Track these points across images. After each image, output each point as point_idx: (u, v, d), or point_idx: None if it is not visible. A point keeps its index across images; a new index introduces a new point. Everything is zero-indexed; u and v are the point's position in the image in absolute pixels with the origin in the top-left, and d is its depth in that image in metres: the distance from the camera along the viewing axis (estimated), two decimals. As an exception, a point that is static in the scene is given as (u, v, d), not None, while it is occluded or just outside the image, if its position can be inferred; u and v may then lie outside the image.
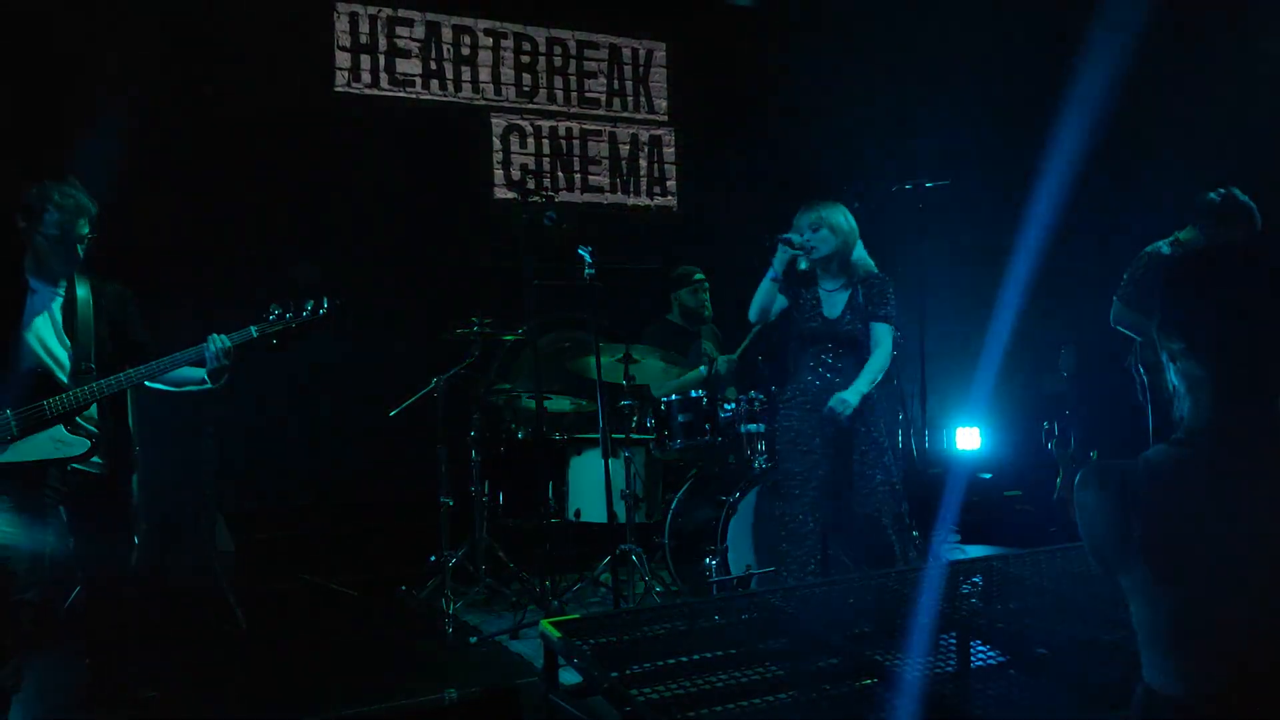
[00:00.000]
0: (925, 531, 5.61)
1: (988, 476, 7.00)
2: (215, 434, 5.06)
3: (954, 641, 2.82)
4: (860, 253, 4.28)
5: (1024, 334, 6.70)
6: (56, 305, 3.45)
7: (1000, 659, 2.75)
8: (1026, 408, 7.16)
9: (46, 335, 3.42)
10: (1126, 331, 5.28)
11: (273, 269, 5.75)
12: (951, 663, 2.74)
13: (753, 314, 4.29)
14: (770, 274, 4.20)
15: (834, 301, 4.23)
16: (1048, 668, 2.58)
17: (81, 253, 3.43)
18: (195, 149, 5.72)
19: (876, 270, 4.29)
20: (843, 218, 4.24)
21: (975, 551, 6.10)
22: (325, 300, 3.58)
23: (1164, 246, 5.16)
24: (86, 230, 3.40)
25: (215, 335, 3.49)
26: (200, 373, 3.55)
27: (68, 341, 3.43)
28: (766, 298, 4.25)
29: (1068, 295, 6.79)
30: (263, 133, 5.92)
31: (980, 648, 2.84)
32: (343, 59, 6.21)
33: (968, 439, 7.05)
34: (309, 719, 3.54)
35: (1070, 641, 2.69)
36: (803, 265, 4.21)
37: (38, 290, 3.43)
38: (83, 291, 3.49)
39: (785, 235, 4.15)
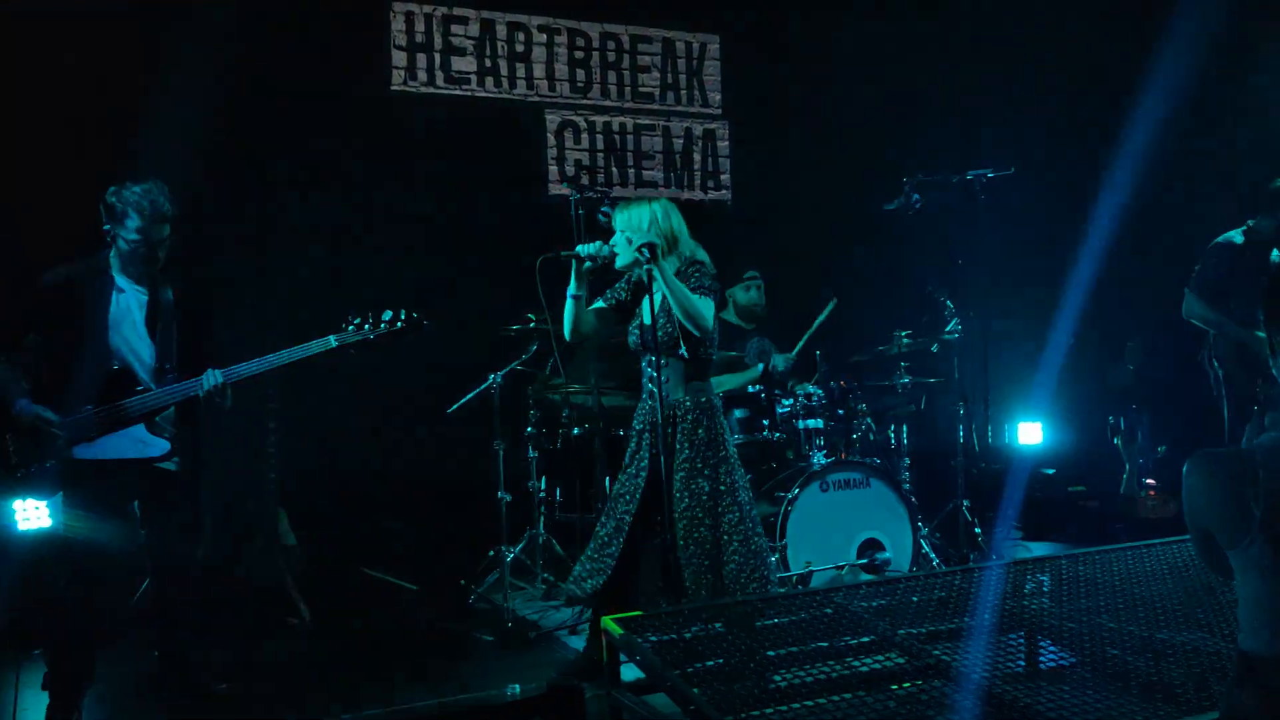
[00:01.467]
0: (987, 528, 5.53)
1: (1050, 472, 6.87)
2: (278, 429, 5.13)
3: (1021, 641, 2.77)
4: (687, 246, 3.76)
5: (1089, 326, 6.58)
6: (141, 305, 3.51)
7: (1070, 660, 2.70)
8: (1091, 401, 7.02)
9: (130, 335, 3.49)
10: (1198, 324, 5.14)
11: (333, 269, 5.82)
12: (1019, 663, 2.69)
13: (565, 333, 3.80)
14: (569, 290, 3.71)
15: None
16: (1120, 669, 2.52)
17: (163, 255, 3.49)
18: (251, 149, 5.79)
19: (705, 261, 3.78)
20: (646, 216, 3.69)
21: (1038, 548, 6.00)
22: (403, 313, 3.63)
23: (1236, 236, 5.02)
24: (166, 233, 3.46)
25: (211, 371, 3.47)
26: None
27: (150, 342, 3.50)
28: (568, 316, 3.73)
29: (1135, 286, 6.65)
30: (320, 132, 5.99)
31: (1049, 648, 2.78)
32: (399, 58, 6.26)
33: (1030, 434, 6.91)
34: (372, 712, 3.58)
35: (1144, 642, 2.63)
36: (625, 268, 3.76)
37: (124, 290, 3.49)
38: (167, 293, 3.55)
39: (573, 250, 3.66)
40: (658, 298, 3.57)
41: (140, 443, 3.45)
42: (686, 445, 3.63)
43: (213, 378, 3.48)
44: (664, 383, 3.58)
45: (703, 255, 3.79)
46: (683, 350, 3.61)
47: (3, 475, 3.37)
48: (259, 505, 5.07)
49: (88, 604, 3.36)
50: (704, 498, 3.60)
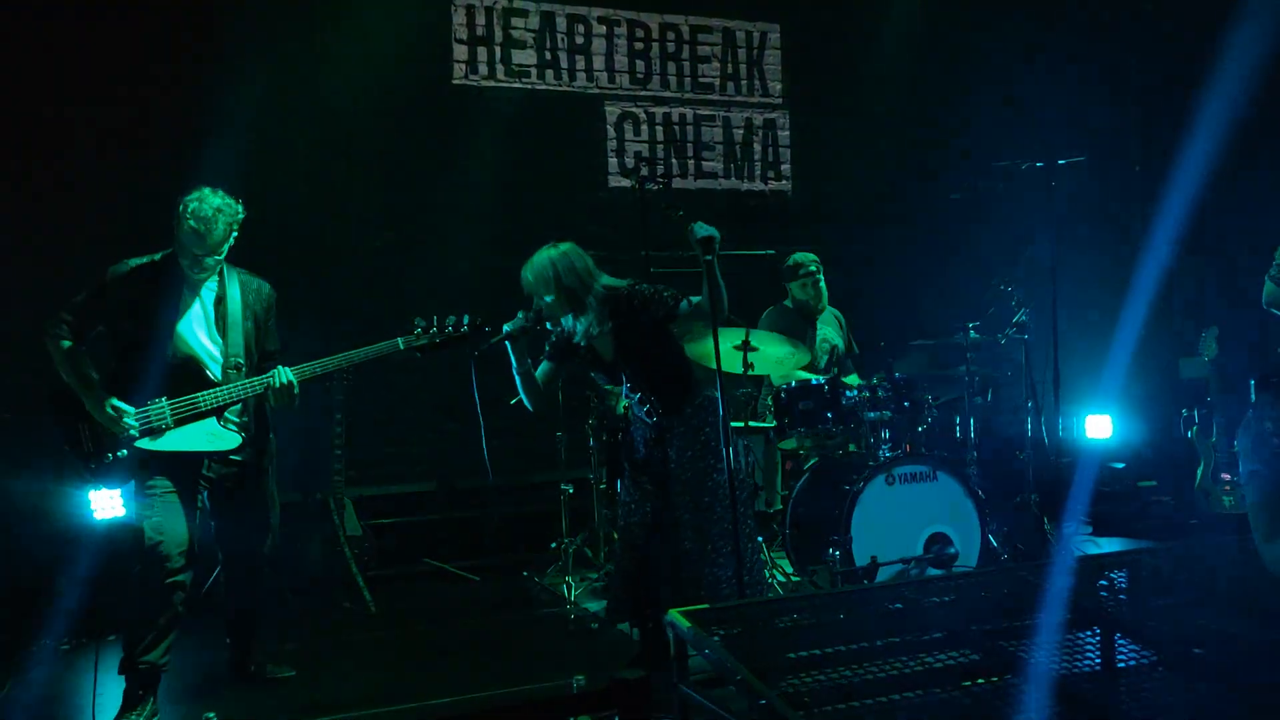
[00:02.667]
0: (1055, 523, 5.42)
1: (1120, 466, 6.71)
2: (344, 422, 5.19)
3: (1097, 638, 2.70)
4: (599, 283, 3.76)
5: (1161, 317, 6.41)
6: (209, 301, 3.57)
7: (1148, 658, 2.62)
8: (1163, 394, 6.84)
9: (200, 329, 3.55)
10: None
11: (396, 265, 5.87)
12: (1095, 660, 2.62)
13: (529, 406, 3.92)
14: (513, 369, 3.82)
15: (603, 344, 3.81)
16: (1202, 668, 2.44)
17: (225, 251, 3.53)
18: (316, 143, 5.86)
19: (621, 286, 3.78)
20: (548, 266, 3.73)
21: (1107, 544, 5.87)
22: (465, 319, 3.75)
23: (1320, 222, 4.83)
24: (221, 231, 3.45)
25: (280, 369, 3.55)
26: None
27: (219, 338, 3.56)
28: (525, 391, 3.87)
29: (1209, 276, 6.46)
30: (382, 127, 6.05)
31: (1126, 645, 2.71)
32: (460, 52, 6.29)
33: (1098, 427, 6.76)
34: (437, 701, 3.60)
35: (1228, 640, 2.55)
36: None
37: (194, 286, 3.55)
38: (233, 289, 3.61)
39: (505, 330, 3.75)
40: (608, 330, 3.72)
41: (212, 436, 3.51)
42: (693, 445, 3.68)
43: (283, 375, 3.54)
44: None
45: (607, 280, 3.78)
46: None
47: (78, 464, 3.44)
48: (326, 496, 5.14)
49: (160, 591, 3.41)
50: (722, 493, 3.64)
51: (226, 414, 3.53)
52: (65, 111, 5.31)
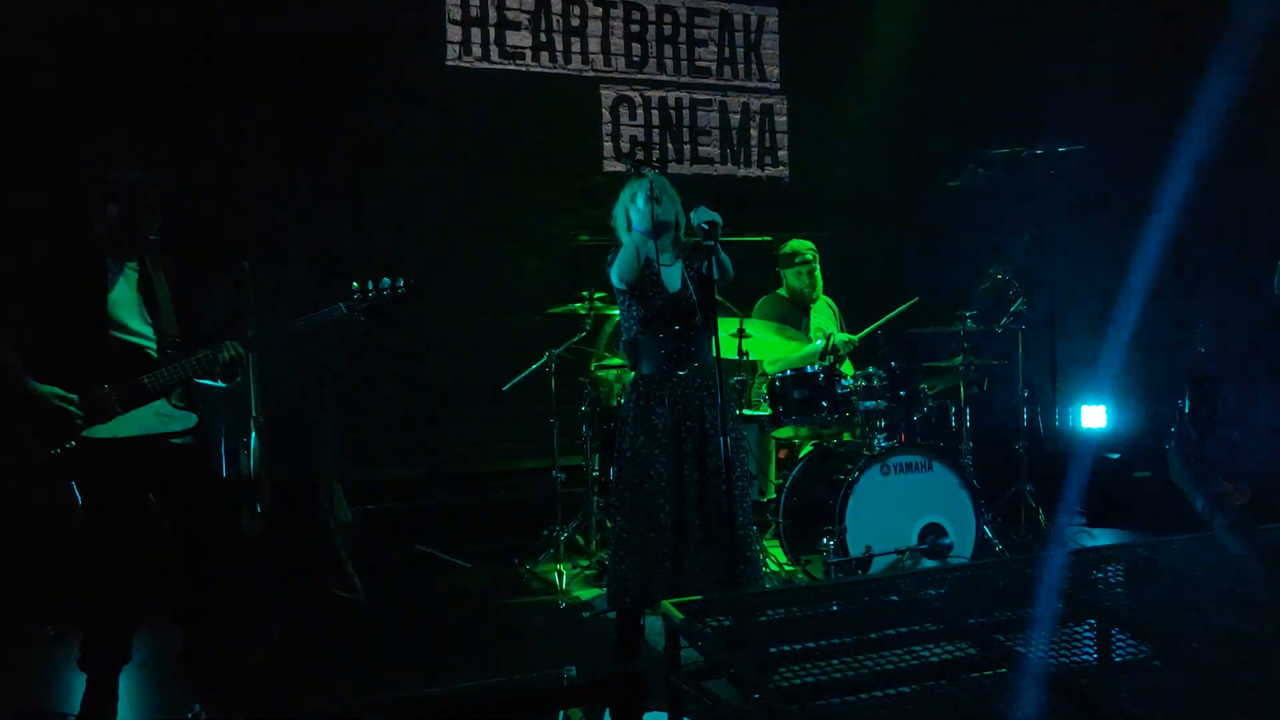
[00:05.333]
0: (1050, 513, 5.40)
1: (1115, 457, 6.69)
2: (335, 407, 5.15)
3: (1093, 632, 2.67)
4: None
5: (1158, 307, 6.36)
6: (133, 283, 3.44)
7: (1145, 652, 2.59)
8: (1159, 385, 6.81)
9: (130, 312, 3.41)
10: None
11: (386, 245, 5.81)
12: (1091, 654, 2.59)
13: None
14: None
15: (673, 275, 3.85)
16: (1200, 663, 2.42)
17: (153, 236, 3.43)
18: (306, 125, 5.79)
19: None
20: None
21: (1101, 534, 5.85)
22: (401, 280, 3.68)
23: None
24: (153, 216, 3.40)
25: (229, 343, 3.49)
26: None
27: (149, 318, 3.43)
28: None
29: (1208, 264, 6.42)
30: (373, 108, 5.97)
31: (1123, 639, 2.68)
32: (453, 33, 6.21)
33: (1094, 417, 6.73)
34: (428, 690, 3.57)
35: (1226, 635, 2.52)
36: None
37: (119, 268, 3.42)
38: (159, 271, 3.50)
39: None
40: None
41: (165, 417, 3.40)
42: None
43: (230, 348, 3.46)
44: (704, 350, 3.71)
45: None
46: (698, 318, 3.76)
47: (25, 457, 3.30)
48: (316, 482, 5.10)
49: (114, 585, 3.31)
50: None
51: (172, 395, 3.42)
52: None
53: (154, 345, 3.42)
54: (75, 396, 3.26)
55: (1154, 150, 6.06)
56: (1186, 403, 3.52)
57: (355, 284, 3.67)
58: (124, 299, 3.40)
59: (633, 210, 3.86)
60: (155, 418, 3.38)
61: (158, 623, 3.77)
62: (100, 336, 3.32)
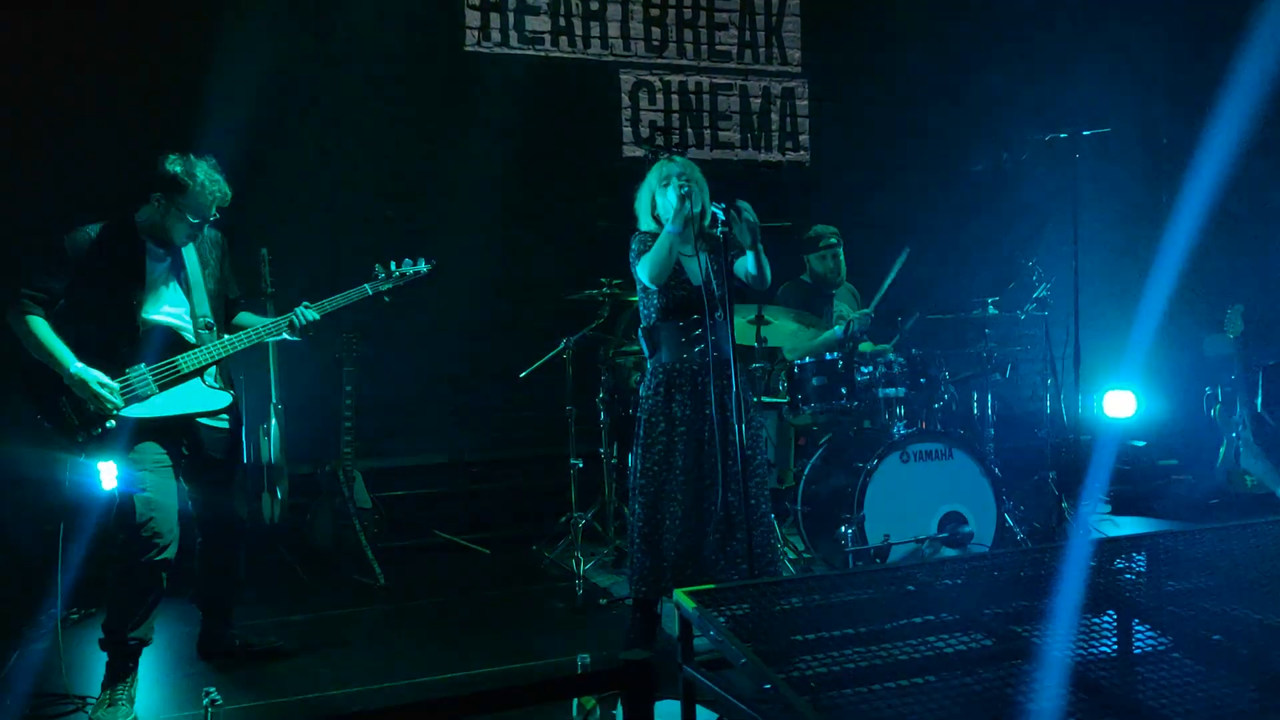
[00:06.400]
0: (1073, 501, 5.34)
1: (1141, 444, 6.61)
2: (354, 395, 5.16)
3: (1114, 623, 2.63)
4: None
5: (1185, 292, 6.28)
6: (169, 265, 3.51)
7: (1166, 643, 2.56)
8: (1186, 371, 6.72)
9: (167, 294, 3.48)
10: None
11: (405, 231, 5.82)
12: (1112, 645, 2.56)
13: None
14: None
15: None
16: (1221, 654, 2.38)
17: (212, 217, 3.49)
18: (326, 110, 5.80)
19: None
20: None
21: (1126, 523, 5.80)
22: (421, 260, 3.88)
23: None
24: (215, 215, 3.49)
25: (303, 308, 3.65)
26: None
27: (184, 298, 3.51)
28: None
29: (1237, 250, 6.33)
30: (393, 94, 5.97)
31: (1143, 630, 2.64)
32: (472, 18, 6.19)
33: (1119, 404, 6.65)
34: (443, 676, 3.58)
35: (1248, 626, 2.48)
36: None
37: (156, 250, 3.48)
38: (188, 248, 3.55)
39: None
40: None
41: (202, 396, 3.49)
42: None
43: (304, 315, 3.63)
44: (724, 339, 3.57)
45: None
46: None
47: (63, 440, 3.37)
48: (336, 469, 5.12)
49: (148, 568, 3.36)
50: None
51: (205, 375, 3.50)
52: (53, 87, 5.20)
53: (189, 327, 3.49)
54: (115, 384, 3.32)
55: (1183, 134, 5.99)
56: (1260, 392, 3.43)
57: (378, 265, 3.82)
58: (163, 280, 3.48)
59: (660, 199, 3.78)
60: (194, 396, 3.48)
61: (180, 604, 3.83)
62: (136, 319, 3.40)
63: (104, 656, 3.42)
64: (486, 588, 4.92)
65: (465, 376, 6.05)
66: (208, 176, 3.42)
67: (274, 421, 5.06)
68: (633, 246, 3.82)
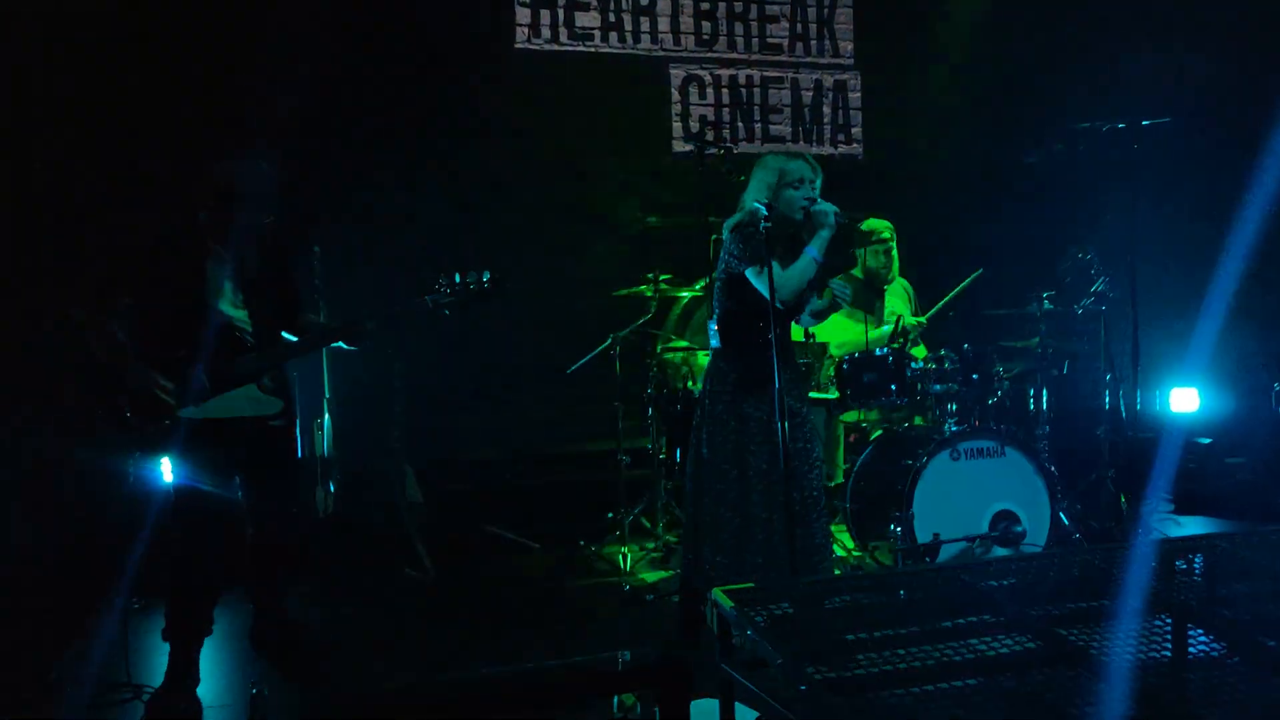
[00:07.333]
0: (1134, 501, 5.21)
1: (1206, 441, 6.42)
2: (405, 390, 5.22)
3: (1169, 627, 2.56)
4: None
5: (1252, 285, 6.08)
6: (233, 267, 3.54)
7: (1222, 649, 2.48)
8: (1254, 366, 6.52)
9: (228, 293, 3.52)
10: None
11: (455, 227, 5.87)
12: (1166, 650, 2.49)
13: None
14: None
15: None
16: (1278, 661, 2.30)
17: (268, 219, 3.54)
18: (377, 108, 5.85)
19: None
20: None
21: (1190, 523, 5.65)
22: (486, 275, 3.65)
23: None
24: (270, 219, 3.53)
25: (369, 321, 3.61)
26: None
27: (244, 301, 3.53)
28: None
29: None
30: (445, 92, 6.02)
31: (1199, 636, 2.57)
32: (523, 15, 6.22)
33: (1184, 400, 6.48)
34: (487, 669, 3.61)
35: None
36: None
37: (218, 253, 3.51)
38: (255, 257, 3.57)
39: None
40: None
41: (254, 401, 3.51)
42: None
43: (370, 327, 3.60)
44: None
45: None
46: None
47: (120, 437, 3.44)
48: (386, 463, 5.19)
49: (200, 559, 3.45)
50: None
51: (263, 379, 3.53)
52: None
53: (250, 330, 3.52)
54: (171, 385, 3.37)
55: (1249, 125, 5.79)
56: None
57: (442, 276, 3.65)
58: (225, 282, 3.50)
59: (783, 193, 3.67)
60: (246, 401, 3.49)
61: (241, 596, 3.91)
62: (196, 321, 3.42)
63: (165, 647, 3.50)
64: (534, 582, 4.95)
65: (514, 372, 6.09)
66: (257, 182, 3.45)
67: (326, 415, 5.13)
68: (737, 241, 3.67)
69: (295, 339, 3.61)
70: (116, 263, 3.47)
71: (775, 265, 3.57)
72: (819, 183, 3.73)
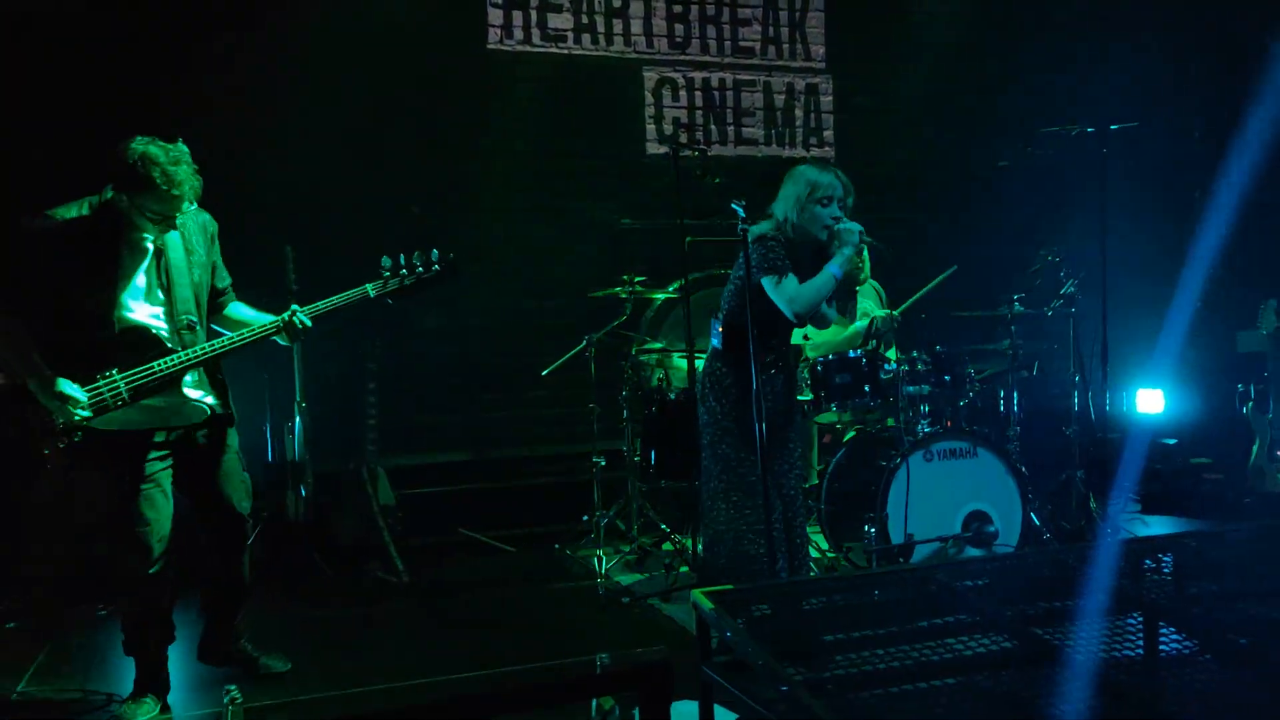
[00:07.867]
0: (1102, 500, 5.27)
1: (1172, 442, 6.51)
2: (378, 392, 5.19)
3: (1141, 625, 2.59)
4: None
5: (1217, 288, 6.17)
6: (149, 259, 3.17)
7: (1193, 646, 2.52)
8: (1218, 368, 6.62)
9: (143, 288, 3.15)
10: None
11: (425, 228, 5.83)
12: (1138, 648, 2.52)
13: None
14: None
15: None
16: (1249, 659, 2.34)
17: (178, 221, 3.15)
18: (349, 107, 5.80)
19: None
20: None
21: (1156, 522, 5.72)
22: (434, 254, 3.36)
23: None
24: (190, 206, 3.13)
25: (299, 313, 3.26)
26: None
27: (162, 295, 3.17)
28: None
29: (1270, 245, 6.21)
30: (415, 92, 5.98)
31: (1171, 633, 2.60)
32: (495, 16, 6.19)
33: (1150, 401, 6.57)
34: (464, 674, 3.59)
35: (1277, 629, 2.44)
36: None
37: (128, 246, 3.13)
38: (172, 235, 3.18)
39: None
40: None
41: (175, 408, 3.20)
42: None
43: (301, 320, 3.26)
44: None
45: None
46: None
47: (32, 450, 3.03)
48: (359, 466, 5.15)
49: (151, 579, 3.22)
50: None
51: (185, 381, 3.16)
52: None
53: (168, 326, 3.17)
54: (83, 397, 3.00)
55: (1214, 128, 5.88)
56: None
57: (386, 259, 3.35)
58: (137, 274, 3.14)
59: (810, 209, 3.68)
60: (167, 405, 3.17)
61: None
62: (109, 319, 3.07)
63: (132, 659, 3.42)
64: (509, 585, 4.93)
65: (489, 374, 6.07)
66: (171, 170, 3.00)
67: (298, 419, 5.09)
68: (758, 250, 3.62)
69: (223, 335, 3.27)
70: (22, 252, 3.04)
71: (793, 278, 3.59)
72: (851, 201, 3.74)
